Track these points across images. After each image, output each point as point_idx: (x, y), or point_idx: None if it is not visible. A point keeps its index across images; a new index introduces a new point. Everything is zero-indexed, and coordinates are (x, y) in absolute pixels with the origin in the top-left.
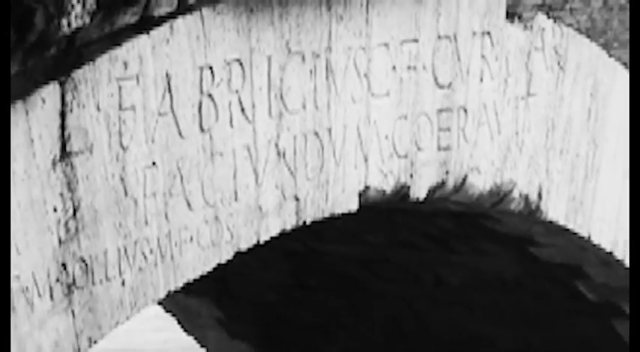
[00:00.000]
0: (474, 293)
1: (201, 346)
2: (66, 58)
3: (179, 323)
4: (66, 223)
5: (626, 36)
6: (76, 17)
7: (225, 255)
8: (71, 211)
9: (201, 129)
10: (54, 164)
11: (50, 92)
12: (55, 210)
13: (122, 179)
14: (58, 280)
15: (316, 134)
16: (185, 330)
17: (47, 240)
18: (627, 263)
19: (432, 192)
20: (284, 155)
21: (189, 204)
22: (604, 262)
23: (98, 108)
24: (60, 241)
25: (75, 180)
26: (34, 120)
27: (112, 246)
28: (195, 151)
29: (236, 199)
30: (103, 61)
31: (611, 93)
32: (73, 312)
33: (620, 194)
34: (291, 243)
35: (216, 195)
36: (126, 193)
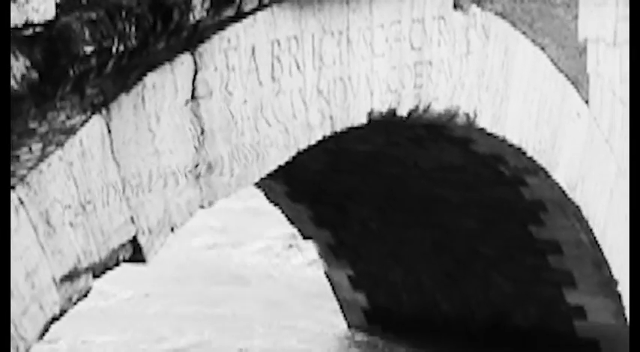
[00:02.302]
0: (437, 172)
1: (274, 205)
2: (193, 38)
3: (264, 194)
4: (198, 138)
5: (527, 17)
6: (198, 13)
7: (292, 153)
8: (200, 131)
9: (273, 79)
10: (187, 102)
11: (186, 59)
12: (190, 129)
13: (229, 111)
14: (190, 171)
15: (341, 79)
16: (267, 199)
17: (187, 147)
18: (529, 153)
19: (411, 112)
20: (322, 92)
21: (268, 123)
22: (514, 153)
23: (215, 69)
24: (195, 148)
25: (199, 112)
26: (177, 75)
27: (225, 151)
28: (269, 92)
29: (295, 118)
30: (216, 39)
31: (516, 52)
32: (200, 188)
33: (521, 112)
34: (328, 144)
35: (284, 117)
36: (232, 117)
